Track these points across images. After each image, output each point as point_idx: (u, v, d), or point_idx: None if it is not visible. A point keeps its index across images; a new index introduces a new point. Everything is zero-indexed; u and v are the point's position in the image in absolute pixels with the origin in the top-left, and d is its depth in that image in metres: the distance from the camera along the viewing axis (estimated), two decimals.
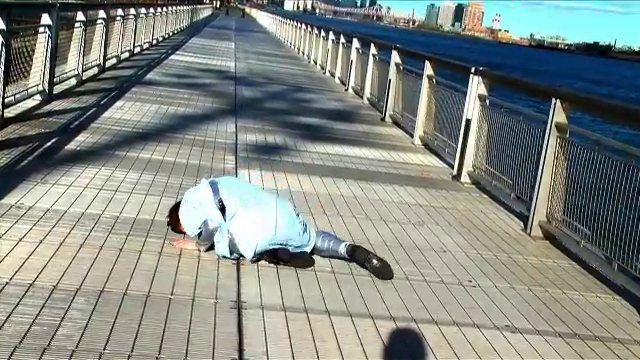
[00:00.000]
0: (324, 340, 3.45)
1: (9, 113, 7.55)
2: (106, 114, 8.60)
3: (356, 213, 5.79)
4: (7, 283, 3.58)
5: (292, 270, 4.29)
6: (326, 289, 4.09)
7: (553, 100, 5.89)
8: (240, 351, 3.23)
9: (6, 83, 7.32)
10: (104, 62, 12.79)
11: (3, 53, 7.01)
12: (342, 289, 4.13)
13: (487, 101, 7.52)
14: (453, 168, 7.88)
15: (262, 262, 4.35)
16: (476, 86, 7.62)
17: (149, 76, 13.28)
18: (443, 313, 3.99)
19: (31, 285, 3.59)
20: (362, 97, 13.80)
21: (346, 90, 15.36)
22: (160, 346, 3.15)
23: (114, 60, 14.10)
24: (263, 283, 4.06)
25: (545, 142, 5.90)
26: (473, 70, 7.73)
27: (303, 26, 25.84)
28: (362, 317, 3.78)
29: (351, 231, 5.25)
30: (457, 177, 7.66)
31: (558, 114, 5.85)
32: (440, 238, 5.43)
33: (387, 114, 11.42)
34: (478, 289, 4.46)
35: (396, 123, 11.12)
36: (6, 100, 7.37)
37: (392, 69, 11.40)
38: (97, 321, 3.31)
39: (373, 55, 13.23)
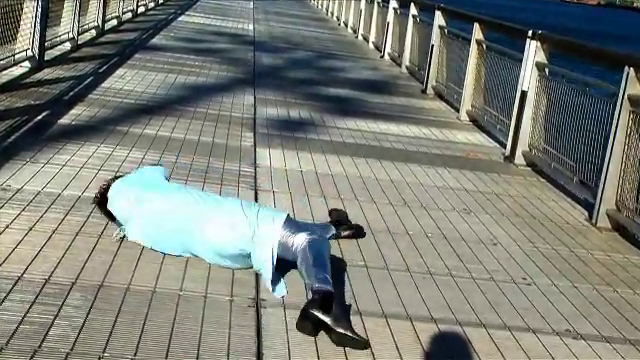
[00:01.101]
0: None
1: None
2: (105, 84, 8.65)
3: (393, 199, 5.78)
4: None
5: None
6: (357, 286, 4.09)
7: (626, 69, 5.81)
8: (259, 355, 3.24)
9: None
10: (103, 24, 12.84)
11: None
12: (376, 286, 4.13)
13: (546, 70, 7.46)
14: (505, 148, 7.84)
15: None
16: (533, 52, 7.54)
17: (155, 40, 13.33)
18: (493, 315, 3.98)
19: (19, 278, 3.62)
20: (400, 65, 13.74)
21: (381, 57, 15.30)
22: (167, 349, 3.17)
23: (114, 22, 14.17)
24: (286, 279, 4.06)
25: (615, 118, 5.84)
26: (530, 34, 7.65)
27: None
28: (398, 318, 3.78)
29: (387, 220, 5.24)
30: (510, 158, 7.62)
31: (632, 85, 5.78)
32: (490, 228, 5.41)
33: (429, 85, 11.36)
34: (534, 288, 4.44)
35: (439, 95, 11.06)
36: None
37: (435, 33, 11.33)
38: (95, 320, 3.33)
39: (413, 16, 13.16)
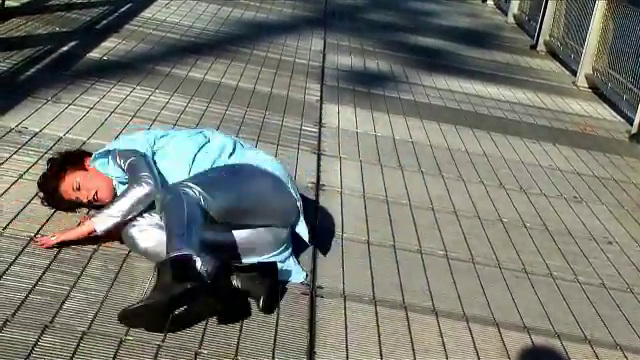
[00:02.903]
0: (427, 349, 3.47)
1: (12, 1, 7.73)
2: (146, 13, 8.72)
3: (485, 178, 5.75)
4: (0, 234, 3.70)
5: (388, 249, 4.30)
6: (435, 279, 4.10)
7: None
8: (311, 354, 3.27)
9: None
10: None
11: None
12: (458, 282, 4.13)
13: None
14: (633, 124, 7.72)
15: (347, 230, 4.39)
16: None
17: None
18: (601, 330, 3.95)
19: (32, 239, 3.69)
20: (506, 13, 13.60)
21: (483, 2, 15.15)
22: (201, 338, 3.21)
23: None
24: (348, 264, 4.09)
25: None
26: None
27: None
28: (482, 323, 3.77)
29: (476, 202, 5.22)
30: (638, 137, 7.51)
31: None
32: (605, 223, 5.35)
33: (541, 40, 11.23)
34: None
35: (552, 54, 10.93)
36: None
37: None
38: (118, 295, 3.39)
39: None
